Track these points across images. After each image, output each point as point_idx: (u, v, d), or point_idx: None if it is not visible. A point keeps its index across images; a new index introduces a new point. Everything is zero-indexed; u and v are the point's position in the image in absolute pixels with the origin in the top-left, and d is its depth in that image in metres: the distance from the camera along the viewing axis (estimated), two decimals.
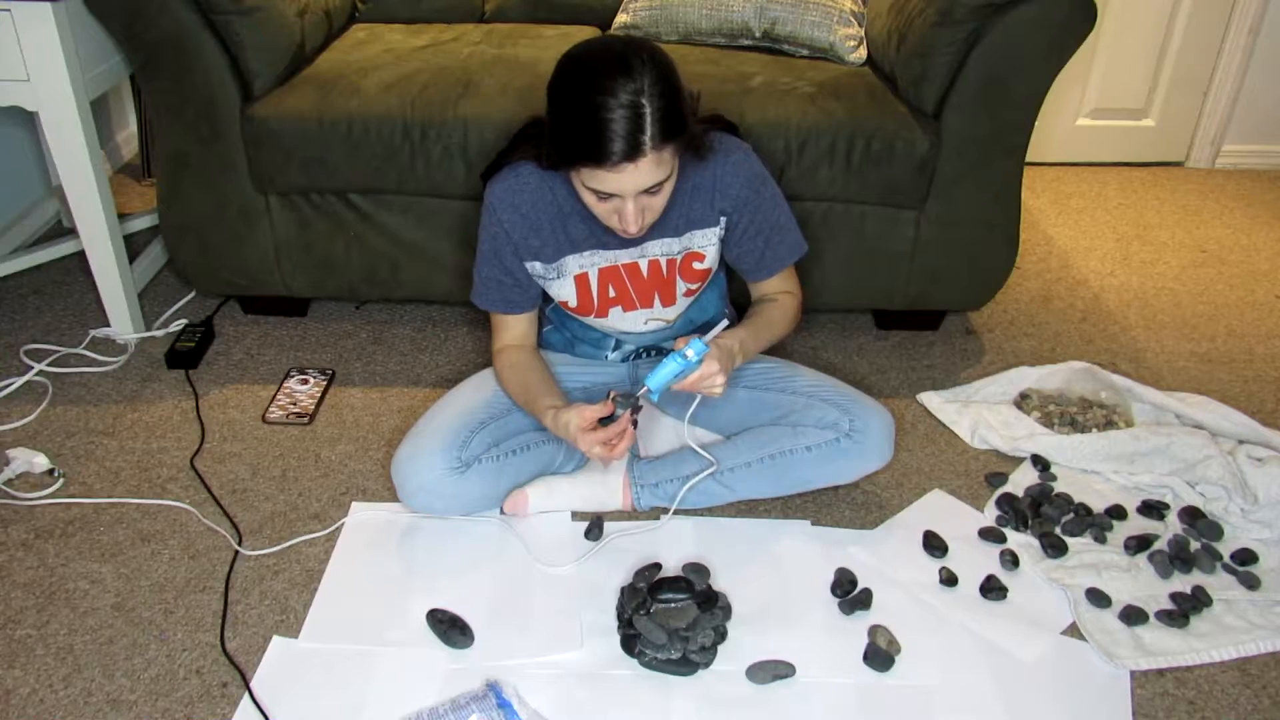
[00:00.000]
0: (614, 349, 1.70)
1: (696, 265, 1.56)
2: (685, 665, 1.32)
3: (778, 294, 1.63)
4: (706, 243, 1.54)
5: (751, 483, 1.57)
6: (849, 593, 1.47)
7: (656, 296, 1.57)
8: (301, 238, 1.96)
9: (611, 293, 1.56)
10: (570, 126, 1.28)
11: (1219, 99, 3.08)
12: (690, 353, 1.38)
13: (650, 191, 1.33)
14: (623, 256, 1.53)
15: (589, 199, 1.35)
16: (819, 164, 1.87)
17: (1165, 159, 3.21)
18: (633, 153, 1.25)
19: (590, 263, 1.52)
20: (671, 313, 1.61)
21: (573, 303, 1.56)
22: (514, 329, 1.60)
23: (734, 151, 1.49)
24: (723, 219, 1.53)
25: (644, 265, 1.54)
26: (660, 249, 1.53)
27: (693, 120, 1.34)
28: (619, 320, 1.60)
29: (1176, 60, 3.03)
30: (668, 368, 1.39)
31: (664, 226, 1.50)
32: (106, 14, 1.76)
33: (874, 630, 1.40)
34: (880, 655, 1.36)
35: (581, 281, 1.53)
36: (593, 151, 1.26)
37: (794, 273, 1.64)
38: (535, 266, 1.53)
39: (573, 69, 1.29)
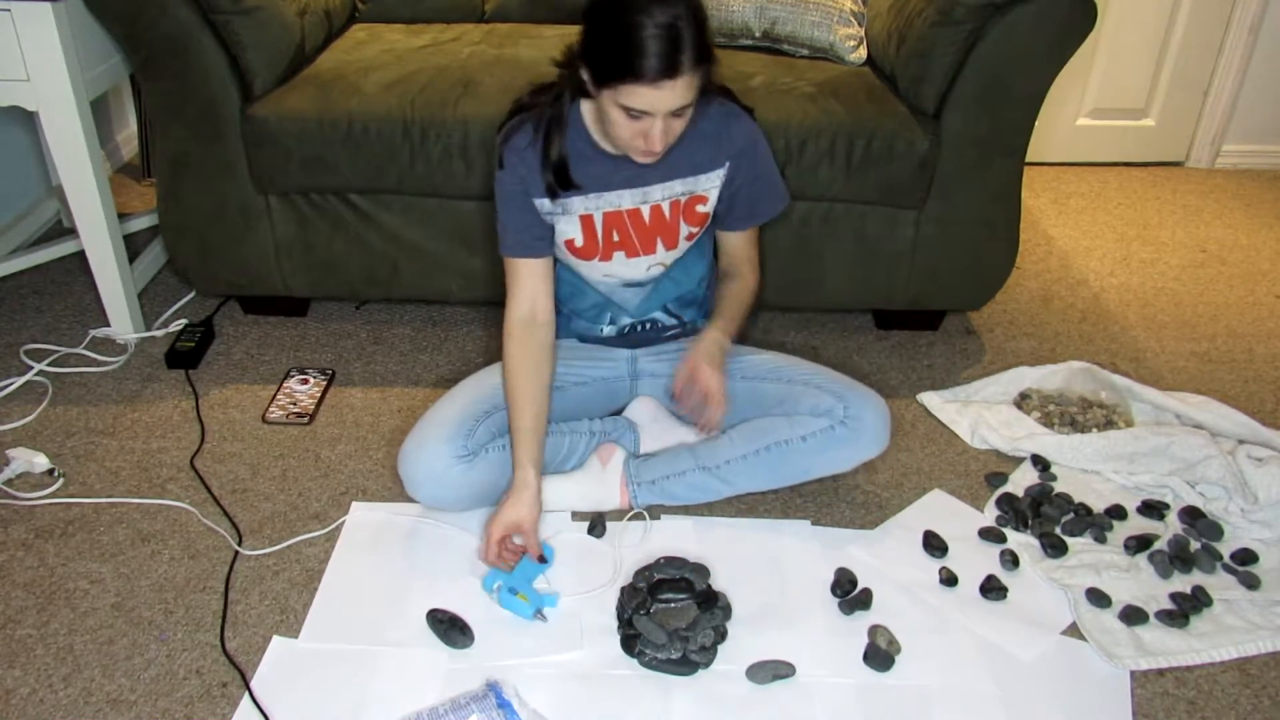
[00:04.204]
0: (609, 323, 1.71)
1: (699, 208, 1.61)
2: (685, 665, 1.32)
3: (741, 261, 1.71)
4: (710, 185, 1.59)
5: (748, 475, 1.57)
6: (849, 593, 1.47)
7: (659, 241, 1.61)
8: (301, 238, 1.96)
9: (615, 237, 1.59)
10: (613, 44, 1.34)
11: (1219, 99, 3.08)
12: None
13: (677, 114, 1.38)
14: (626, 200, 1.56)
15: (617, 118, 1.39)
16: (819, 164, 1.87)
17: (1165, 159, 3.21)
18: (671, 70, 1.32)
19: (595, 205, 1.56)
20: (671, 256, 1.65)
21: (580, 242, 1.59)
22: (528, 286, 1.58)
23: (736, 109, 1.60)
24: (727, 163, 1.58)
25: (646, 211, 1.57)
26: (663, 192, 1.56)
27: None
28: (622, 266, 1.63)
29: (1176, 60, 3.03)
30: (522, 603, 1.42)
31: (668, 168, 1.55)
32: (106, 14, 1.76)
33: (874, 630, 1.40)
34: (880, 655, 1.36)
35: (587, 223, 1.57)
36: (635, 66, 1.32)
37: (757, 237, 1.74)
38: (543, 204, 1.55)
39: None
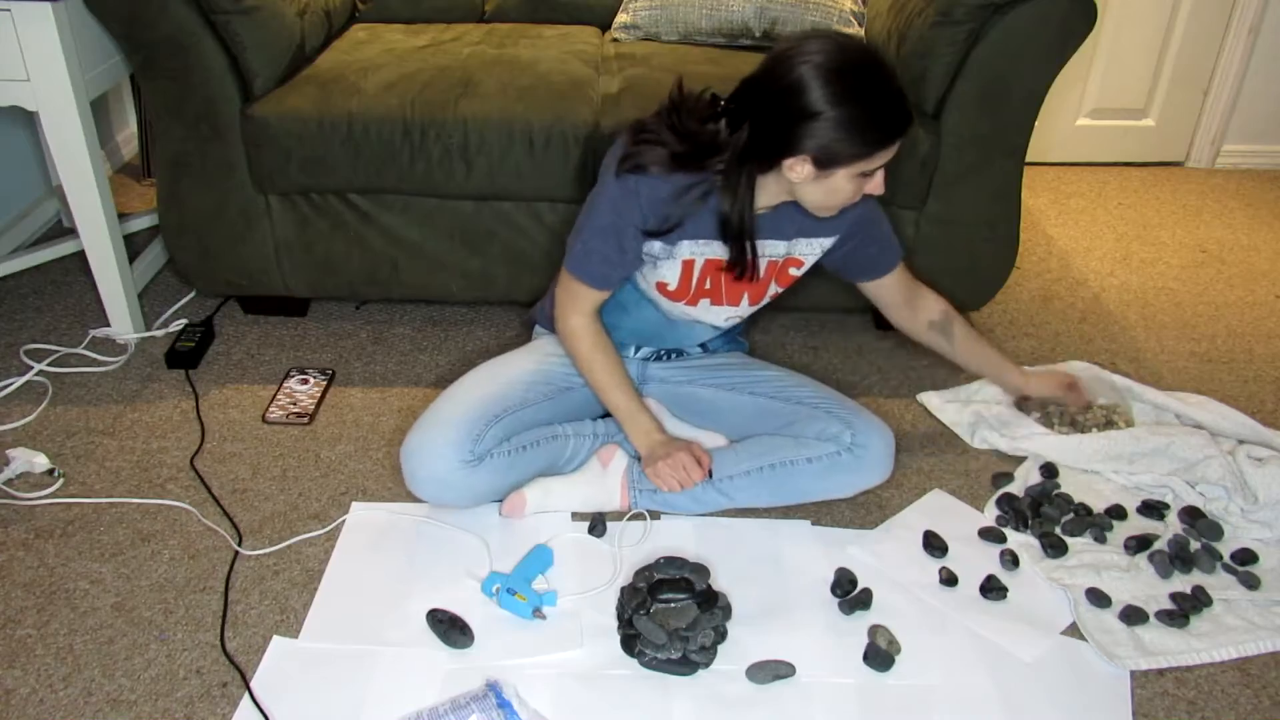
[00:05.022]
0: (635, 351, 1.72)
1: (793, 271, 1.61)
2: (685, 665, 1.32)
3: (912, 290, 1.72)
4: (810, 252, 1.59)
5: (750, 491, 1.58)
6: (849, 593, 1.47)
7: (746, 295, 1.60)
8: (301, 238, 1.96)
9: (708, 284, 1.57)
10: (876, 115, 1.35)
11: (1219, 99, 3.08)
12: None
13: None
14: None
15: (847, 185, 1.39)
16: None
17: (1165, 159, 3.21)
18: (911, 115, 1.38)
19: (701, 251, 1.52)
20: (750, 311, 1.66)
21: (673, 285, 1.57)
22: (591, 301, 1.57)
23: None
24: (839, 235, 1.58)
25: None
26: (765, 249, 1.55)
27: None
28: (704, 312, 1.62)
29: (1176, 60, 3.03)
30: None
31: (776, 229, 1.53)
32: (106, 14, 1.76)
33: (874, 630, 1.40)
34: (880, 655, 1.36)
35: (687, 267, 1.54)
36: (899, 127, 1.36)
37: (905, 270, 1.72)
38: (654, 246, 1.51)
39: (861, 69, 1.34)
